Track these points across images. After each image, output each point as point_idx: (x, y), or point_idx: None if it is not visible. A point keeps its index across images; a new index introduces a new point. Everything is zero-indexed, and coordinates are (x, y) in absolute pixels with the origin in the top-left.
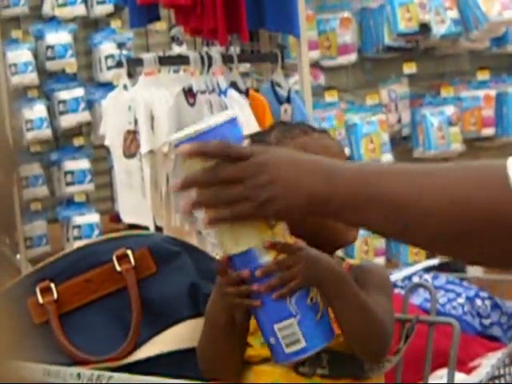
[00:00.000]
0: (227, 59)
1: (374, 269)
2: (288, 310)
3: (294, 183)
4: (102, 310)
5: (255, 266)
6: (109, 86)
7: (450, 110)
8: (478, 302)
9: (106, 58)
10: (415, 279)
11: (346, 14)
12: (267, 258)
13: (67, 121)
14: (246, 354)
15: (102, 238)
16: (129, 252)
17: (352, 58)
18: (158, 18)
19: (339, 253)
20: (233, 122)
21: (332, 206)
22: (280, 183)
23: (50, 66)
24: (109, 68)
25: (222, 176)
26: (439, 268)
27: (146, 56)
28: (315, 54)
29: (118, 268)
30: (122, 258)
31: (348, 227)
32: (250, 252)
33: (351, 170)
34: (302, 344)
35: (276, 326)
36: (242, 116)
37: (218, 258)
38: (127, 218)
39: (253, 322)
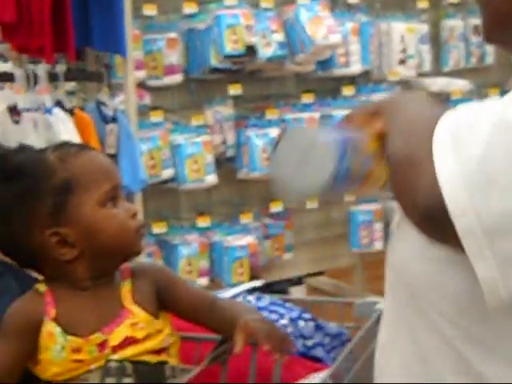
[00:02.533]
0: (53, 77)
1: (159, 265)
2: None
3: None
4: None
5: None
6: None
7: (274, 132)
8: (301, 323)
9: None
10: (238, 300)
11: (172, 35)
12: None
13: None
14: (50, 373)
15: None
16: None
17: (178, 78)
18: None
19: None
20: None
21: None
22: None
23: None
24: None
25: None
26: (262, 289)
27: None
28: (141, 74)
29: None
30: None
31: (135, 239)
32: None
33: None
34: None
35: None
36: (67, 135)
37: (40, 277)
38: None
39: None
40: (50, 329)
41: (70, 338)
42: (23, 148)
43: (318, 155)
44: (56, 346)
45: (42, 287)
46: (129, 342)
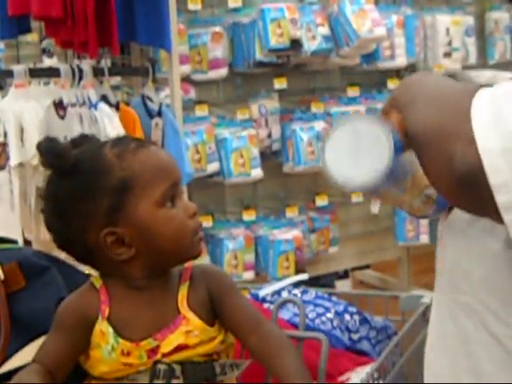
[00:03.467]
0: (98, 72)
1: (218, 271)
2: None
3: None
4: None
5: None
6: None
7: (319, 126)
8: (347, 316)
9: None
10: (284, 294)
11: (217, 29)
12: None
13: None
14: (98, 370)
15: None
16: None
17: (223, 72)
18: (29, 30)
19: None
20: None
21: None
22: None
23: None
24: None
25: None
26: (308, 283)
27: (17, 68)
28: (186, 68)
29: None
30: None
31: (194, 242)
32: None
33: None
34: None
35: None
36: (112, 129)
37: (86, 272)
38: None
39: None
40: (103, 328)
41: (121, 340)
42: (82, 141)
43: (374, 145)
44: (107, 346)
45: (97, 282)
46: (180, 348)
